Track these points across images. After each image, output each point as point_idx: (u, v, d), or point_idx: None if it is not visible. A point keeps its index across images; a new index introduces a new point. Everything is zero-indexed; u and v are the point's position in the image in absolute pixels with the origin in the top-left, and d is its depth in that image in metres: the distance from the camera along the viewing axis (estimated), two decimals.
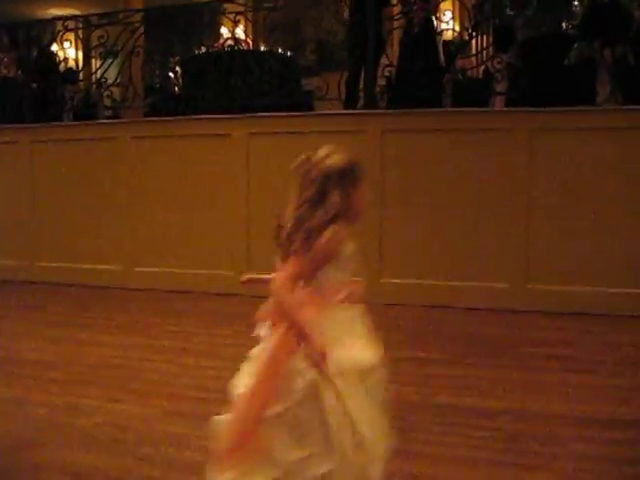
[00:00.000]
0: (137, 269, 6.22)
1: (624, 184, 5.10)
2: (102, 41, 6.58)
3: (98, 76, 6.97)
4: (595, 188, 5.15)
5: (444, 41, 7.54)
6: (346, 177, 1.94)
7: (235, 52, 6.51)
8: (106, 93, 6.89)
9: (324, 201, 1.90)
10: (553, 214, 5.22)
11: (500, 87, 6.08)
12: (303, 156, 2.02)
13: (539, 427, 2.97)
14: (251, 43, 7.45)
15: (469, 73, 7.25)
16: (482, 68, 6.83)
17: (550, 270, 5.21)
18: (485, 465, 2.60)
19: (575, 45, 5.89)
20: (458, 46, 7.46)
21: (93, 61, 7.64)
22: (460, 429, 2.95)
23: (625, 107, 5.25)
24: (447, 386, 3.55)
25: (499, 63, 5.83)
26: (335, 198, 1.90)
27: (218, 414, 3.10)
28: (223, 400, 3.30)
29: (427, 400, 3.33)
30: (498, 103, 6.23)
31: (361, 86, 6.09)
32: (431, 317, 5.11)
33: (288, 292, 1.84)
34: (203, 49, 7.45)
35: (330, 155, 2.00)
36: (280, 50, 7.98)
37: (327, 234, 1.86)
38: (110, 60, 6.83)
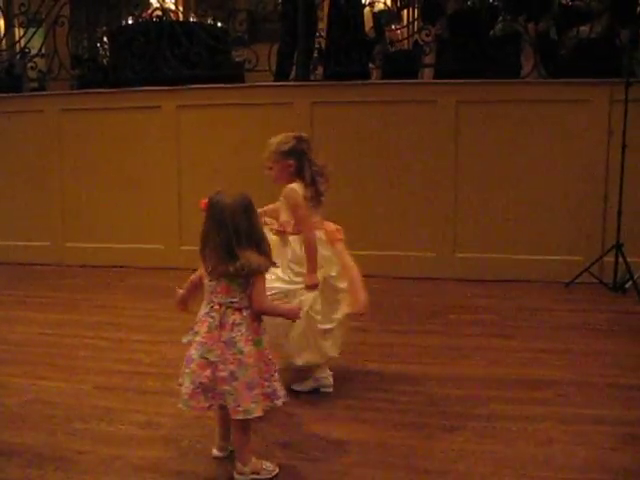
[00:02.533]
0: (68, 245, 6.12)
1: (545, 155, 5.28)
2: (23, 10, 6.35)
3: (21, 46, 6.74)
4: (517, 159, 5.31)
5: (374, 13, 7.58)
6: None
7: (164, 23, 6.39)
8: (30, 64, 6.68)
9: None
10: (478, 185, 5.38)
11: (428, 59, 6.17)
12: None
13: (461, 390, 3.11)
14: (180, 14, 7.34)
15: (399, 45, 7.32)
16: (412, 40, 6.90)
17: (475, 239, 5.38)
18: (409, 428, 2.71)
19: (500, 19, 6.01)
20: (388, 18, 7.50)
21: (16, 30, 7.38)
22: (385, 394, 3.06)
23: (547, 80, 5.41)
24: (373, 353, 3.66)
25: (427, 35, 5.90)
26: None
27: (151, 388, 3.15)
28: (155, 373, 3.36)
29: (354, 367, 3.43)
30: (426, 75, 6.32)
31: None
32: (367, 287, 5.19)
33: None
34: (131, 19, 7.29)
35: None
36: (210, 21, 7.89)
37: None
38: (33, 29, 6.61)
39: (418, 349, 3.72)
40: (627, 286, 4.90)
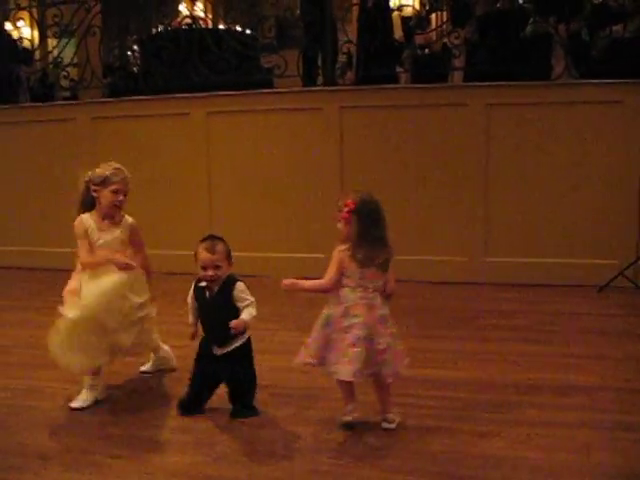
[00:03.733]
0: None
1: (578, 158, 5.21)
2: (56, 20, 6.45)
3: (54, 56, 6.85)
4: (550, 162, 5.25)
5: (403, 17, 7.56)
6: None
7: (193, 30, 6.44)
8: (63, 73, 6.78)
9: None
10: (509, 188, 5.33)
11: (458, 62, 6.13)
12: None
13: (494, 395, 3.07)
14: (210, 21, 7.39)
15: (428, 48, 7.28)
16: (441, 43, 6.87)
17: (508, 243, 5.33)
18: (442, 433, 2.68)
19: (531, 20, 5.96)
20: (416, 22, 7.48)
21: (49, 41, 7.50)
22: (418, 400, 3.03)
23: (579, 81, 5.34)
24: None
25: (456, 38, 5.87)
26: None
27: (182, 393, 3.15)
28: (187, 379, 3.37)
29: None
30: (456, 78, 6.29)
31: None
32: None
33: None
34: (161, 28, 7.36)
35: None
36: (238, 28, 7.93)
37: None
38: (66, 40, 6.71)
39: (450, 354, 3.69)
40: None
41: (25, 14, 7.39)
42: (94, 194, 3.27)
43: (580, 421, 2.78)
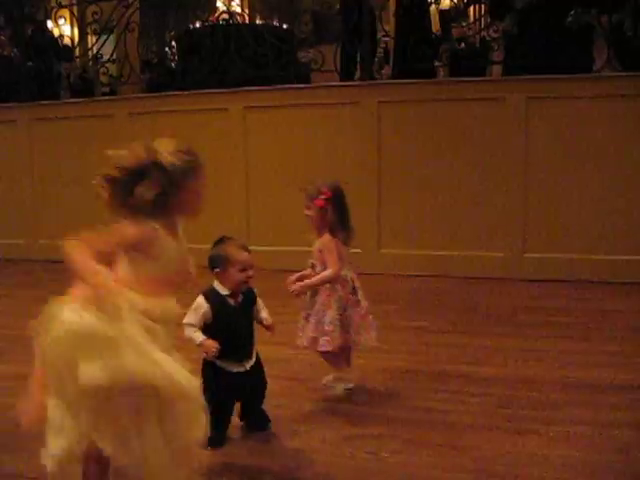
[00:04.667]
0: None
1: (621, 151, 5.11)
2: (96, 17, 6.54)
3: (94, 52, 6.94)
4: (591, 156, 5.16)
5: (441, 10, 7.48)
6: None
7: (230, 25, 6.47)
8: (102, 70, 6.87)
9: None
10: (550, 183, 5.25)
11: (497, 56, 6.06)
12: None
13: (534, 393, 3.03)
14: (247, 16, 7.41)
15: (465, 42, 7.20)
16: (479, 37, 6.79)
17: (547, 238, 5.25)
18: (480, 430, 2.65)
19: (572, 12, 5.85)
20: (454, 15, 7.40)
21: (89, 37, 7.60)
22: (456, 396, 3.00)
23: (622, 74, 5.23)
24: (445, 354, 3.60)
25: (495, 32, 5.80)
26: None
27: None
28: None
29: (424, 368, 3.39)
30: (495, 72, 6.21)
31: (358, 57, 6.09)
32: (430, 287, 5.16)
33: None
34: (198, 23, 7.40)
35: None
36: (275, 22, 7.93)
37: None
38: (105, 36, 6.80)
39: (488, 350, 3.65)
40: None
41: (66, 12, 7.51)
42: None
43: (620, 421, 2.72)
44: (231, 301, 2.54)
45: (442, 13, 7.41)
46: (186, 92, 6.18)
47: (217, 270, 2.51)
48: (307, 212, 3.02)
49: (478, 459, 2.42)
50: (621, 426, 2.67)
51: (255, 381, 2.62)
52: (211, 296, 2.51)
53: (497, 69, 6.17)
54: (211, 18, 7.06)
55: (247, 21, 7.27)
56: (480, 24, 6.49)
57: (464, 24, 7.36)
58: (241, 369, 2.54)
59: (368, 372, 3.30)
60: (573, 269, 5.15)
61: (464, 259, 5.38)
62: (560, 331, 3.96)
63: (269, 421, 2.70)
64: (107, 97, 7.26)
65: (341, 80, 6.01)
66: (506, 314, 4.37)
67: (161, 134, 6.85)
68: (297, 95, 5.84)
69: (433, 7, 7.00)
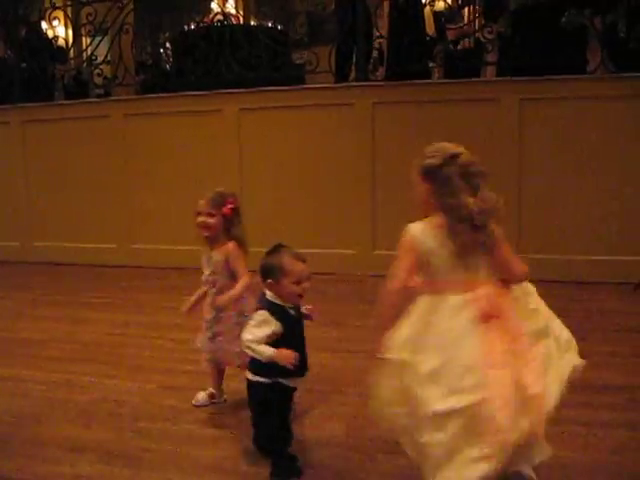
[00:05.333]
0: (133, 246, 6.26)
1: (615, 152, 5.12)
2: (90, 19, 6.53)
3: (88, 54, 6.93)
4: (586, 157, 5.17)
5: (435, 12, 7.50)
6: None
7: (225, 27, 6.47)
8: (96, 71, 6.86)
9: None
10: (544, 184, 5.26)
11: (491, 57, 6.07)
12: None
13: None
14: (241, 17, 7.41)
15: (460, 43, 7.22)
16: (473, 38, 6.80)
17: (542, 239, 5.26)
18: None
19: (566, 14, 5.86)
20: (448, 16, 7.41)
21: (83, 39, 7.59)
22: None
23: (615, 75, 5.24)
24: None
25: (490, 33, 5.81)
26: None
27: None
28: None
29: None
30: (489, 73, 6.22)
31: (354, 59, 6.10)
32: None
33: None
34: (193, 25, 7.40)
35: None
36: (270, 24, 7.94)
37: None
38: (99, 38, 6.79)
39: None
40: None
41: (60, 13, 7.48)
42: None
43: (616, 421, 2.73)
44: (292, 312, 2.35)
45: (436, 14, 7.42)
46: (180, 94, 6.17)
47: (269, 281, 2.31)
48: (208, 220, 2.89)
49: None
50: (617, 427, 2.68)
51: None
52: (275, 309, 2.30)
53: (491, 70, 6.18)
54: (205, 20, 7.06)
55: (241, 22, 7.26)
56: (474, 25, 6.48)
57: (461, 24, 7.38)
58: (296, 383, 2.36)
59: (351, 373, 3.29)
60: (568, 270, 5.16)
61: None
62: None
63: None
64: (101, 99, 7.24)
65: (336, 81, 6.01)
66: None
67: (155, 136, 6.93)
68: (291, 97, 5.84)
69: (427, 8, 7.01)
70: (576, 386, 3.09)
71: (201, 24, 7.11)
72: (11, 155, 6.73)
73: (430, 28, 7.03)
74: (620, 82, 5.14)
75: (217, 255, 2.87)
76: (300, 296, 2.34)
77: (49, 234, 6.59)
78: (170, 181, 6.12)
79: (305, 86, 6.17)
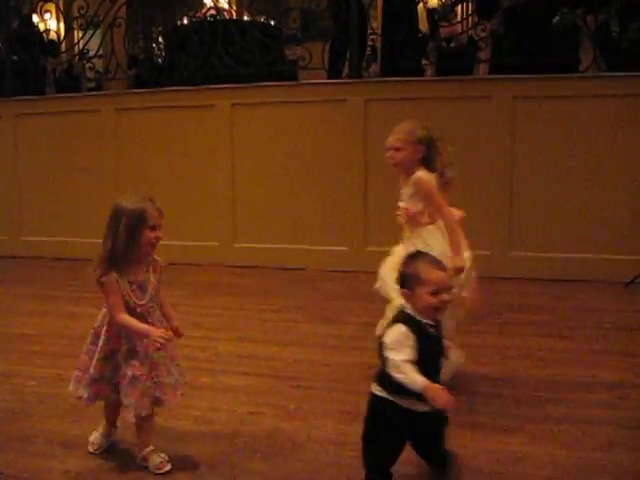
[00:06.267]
0: None
1: (607, 151, 5.14)
2: (82, 12, 6.50)
3: (80, 47, 6.89)
4: (577, 155, 5.19)
5: (428, 9, 7.50)
6: None
7: (218, 22, 6.45)
8: (88, 65, 6.83)
9: None
10: (536, 182, 5.27)
11: (484, 55, 6.08)
12: None
13: (517, 391, 3.04)
14: (234, 12, 7.39)
15: (454, 41, 7.22)
16: (467, 36, 6.81)
17: (532, 237, 5.28)
18: (464, 428, 2.66)
19: (558, 14, 5.88)
20: (441, 14, 7.41)
21: (75, 32, 7.55)
22: None
23: (608, 74, 5.26)
24: None
25: (483, 31, 5.82)
26: None
27: (205, 384, 3.18)
28: (209, 369, 3.39)
29: None
30: (482, 71, 6.22)
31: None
32: None
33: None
34: (186, 19, 7.38)
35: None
36: (263, 19, 7.93)
37: None
38: (92, 31, 6.76)
39: (473, 348, 3.65)
40: None
41: (52, 6, 7.45)
42: None
43: (604, 418, 2.74)
44: (432, 330, 2.08)
45: (430, 12, 7.42)
46: (173, 88, 6.15)
47: (404, 291, 2.10)
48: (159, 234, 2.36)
49: (462, 457, 2.43)
50: (605, 424, 2.69)
51: (438, 421, 2.17)
52: (412, 323, 2.05)
53: (484, 68, 6.18)
54: (198, 14, 7.04)
55: (234, 17, 7.24)
56: (468, 23, 6.49)
57: (453, 23, 7.38)
58: (426, 408, 2.04)
59: (341, 369, 3.30)
60: (558, 268, 5.18)
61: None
62: (544, 329, 3.98)
63: (452, 454, 2.26)
64: (93, 93, 7.22)
65: (329, 78, 6.01)
66: (490, 312, 4.39)
67: (147, 130, 6.90)
68: (284, 92, 5.84)
69: (421, 5, 7.02)
70: (565, 383, 3.13)
71: (194, 19, 7.08)
72: (2, 148, 6.70)
73: (423, 25, 7.05)
74: (612, 81, 5.16)
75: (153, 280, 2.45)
76: (437, 310, 2.06)
77: (39, 228, 6.56)
78: (162, 176, 6.10)
79: (298, 82, 6.16)
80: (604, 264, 5.11)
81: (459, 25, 7.22)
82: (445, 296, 2.05)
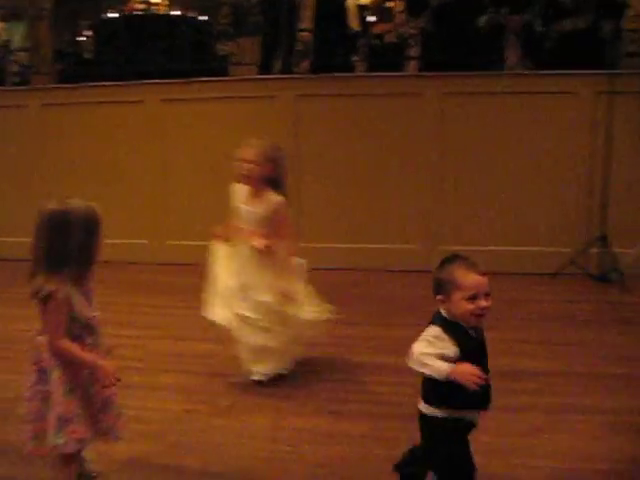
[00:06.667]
0: None
1: (531, 147, 5.28)
2: (5, 3, 6.31)
3: (3, 40, 6.68)
4: (504, 151, 5.32)
5: (360, 6, 7.56)
6: None
7: (147, 16, 6.37)
8: (13, 58, 6.62)
9: None
10: (464, 177, 5.38)
11: (413, 52, 6.17)
12: None
13: None
14: (164, 7, 7.30)
15: (385, 38, 7.30)
16: (397, 33, 6.89)
17: (459, 231, 5.38)
18: (393, 418, 2.71)
19: (483, 15, 6.01)
20: (373, 11, 7.49)
21: None
22: (370, 386, 3.07)
23: (532, 72, 5.41)
24: (358, 346, 3.67)
25: (412, 28, 5.90)
26: None
27: (137, 383, 3.14)
28: (141, 368, 3.35)
29: (342, 359, 3.43)
30: (412, 68, 6.32)
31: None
32: (349, 280, 5.20)
33: None
34: (114, 12, 7.23)
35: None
36: (194, 14, 7.83)
37: None
38: (16, 23, 6.56)
39: (402, 341, 3.68)
40: (612, 277, 4.92)
41: None
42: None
43: (530, 405, 2.84)
44: (472, 333, 2.00)
45: (361, 9, 7.48)
46: (101, 83, 6.02)
47: (440, 297, 2.01)
48: None
49: (392, 447, 2.47)
50: (531, 410, 2.79)
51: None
52: (449, 327, 1.97)
53: (414, 65, 6.28)
54: (126, 8, 6.92)
55: (164, 12, 7.15)
56: (398, 20, 6.58)
57: (384, 20, 7.47)
58: (473, 416, 2.01)
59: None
60: (484, 261, 5.28)
61: (382, 252, 5.46)
62: None
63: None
64: (19, 87, 7.00)
65: (260, 73, 5.99)
66: (422, 305, 4.44)
67: (75, 126, 6.71)
68: (215, 88, 5.78)
69: (352, 2, 7.07)
70: (492, 373, 3.21)
71: (122, 12, 6.96)
72: None
73: (354, 22, 7.10)
74: (537, 79, 5.31)
75: None
76: (475, 317, 1.96)
77: None
78: (90, 173, 5.96)
79: (228, 78, 6.12)
80: (531, 256, 5.26)
81: (392, 22, 7.32)
82: (483, 302, 1.93)
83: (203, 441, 2.56)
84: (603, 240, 4.97)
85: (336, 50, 5.82)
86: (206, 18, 7.58)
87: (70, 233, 1.99)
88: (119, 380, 2.06)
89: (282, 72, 5.87)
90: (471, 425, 2.00)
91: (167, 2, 7.61)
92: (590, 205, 5.18)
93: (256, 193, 3.15)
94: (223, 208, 5.78)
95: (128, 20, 6.48)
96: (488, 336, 3.45)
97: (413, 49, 6.12)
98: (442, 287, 1.98)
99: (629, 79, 5.06)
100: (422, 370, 1.91)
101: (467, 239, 5.35)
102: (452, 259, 2.04)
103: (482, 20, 5.94)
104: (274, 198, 3.11)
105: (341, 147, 5.52)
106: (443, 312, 2.01)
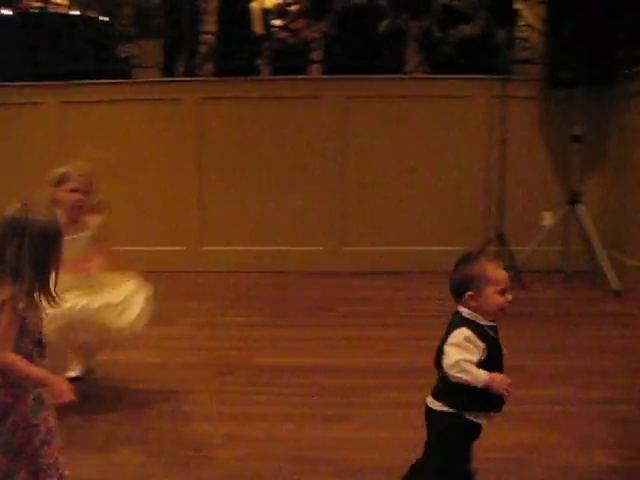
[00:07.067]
0: None
1: (429, 149, 5.44)
2: None
3: None
4: (402, 153, 5.45)
5: (264, 9, 7.57)
6: None
7: (44, 14, 6.16)
8: None
9: None
10: (367, 179, 5.48)
11: (316, 55, 6.23)
12: None
13: (348, 380, 3.18)
14: (63, 6, 7.07)
15: (289, 41, 7.33)
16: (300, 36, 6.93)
17: (363, 232, 5.48)
18: (297, 419, 2.74)
19: (384, 21, 6.14)
20: (276, 14, 7.51)
21: None
22: (275, 388, 3.09)
23: (431, 76, 5.59)
24: (262, 347, 3.69)
25: (315, 32, 5.97)
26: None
27: None
28: None
29: (244, 362, 3.44)
30: (315, 71, 6.38)
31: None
32: (251, 282, 5.19)
33: None
34: (8, 10, 6.94)
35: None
36: (94, 14, 7.62)
37: None
38: None
39: (306, 342, 3.77)
40: (509, 274, 5.11)
41: None
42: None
43: (423, 400, 2.92)
44: (491, 332, 1.97)
45: (265, 12, 7.49)
46: None
47: (470, 293, 1.95)
48: None
49: (296, 448, 2.51)
50: (421, 405, 2.86)
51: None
52: (475, 326, 1.94)
53: (317, 68, 6.34)
54: (21, 5, 6.66)
55: (63, 11, 6.92)
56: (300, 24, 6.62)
57: (287, 23, 7.50)
58: (483, 420, 1.96)
59: (189, 370, 3.31)
60: (388, 261, 5.41)
61: (285, 254, 5.49)
62: (375, 320, 4.17)
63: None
64: None
65: (163, 76, 5.92)
66: (325, 306, 4.53)
67: None
68: (117, 90, 5.67)
69: (257, 5, 7.07)
70: (392, 370, 3.30)
71: (17, 10, 6.68)
72: None
73: (259, 25, 7.10)
74: (435, 83, 5.48)
75: None
76: (503, 310, 1.97)
77: None
78: None
79: (131, 80, 6.01)
80: (432, 256, 5.40)
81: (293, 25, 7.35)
82: (510, 296, 1.96)
83: (101, 448, 2.52)
84: (500, 238, 5.16)
85: (240, 53, 5.81)
86: (107, 19, 7.39)
87: (23, 242, 1.80)
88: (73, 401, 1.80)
89: (185, 75, 5.82)
90: (480, 429, 1.97)
91: (67, 1, 7.39)
92: (487, 205, 5.38)
93: (75, 221, 2.99)
94: (129, 212, 5.70)
95: (23, 18, 6.23)
96: (393, 334, 3.54)
97: (316, 52, 6.18)
98: (471, 283, 1.95)
99: (521, 85, 5.31)
100: (461, 376, 1.87)
101: (370, 239, 5.46)
102: (477, 256, 2.07)
103: (383, 25, 6.08)
104: (94, 218, 3.06)
105: (245, 150, 5.53)
106: (464, 313, 1.98)
